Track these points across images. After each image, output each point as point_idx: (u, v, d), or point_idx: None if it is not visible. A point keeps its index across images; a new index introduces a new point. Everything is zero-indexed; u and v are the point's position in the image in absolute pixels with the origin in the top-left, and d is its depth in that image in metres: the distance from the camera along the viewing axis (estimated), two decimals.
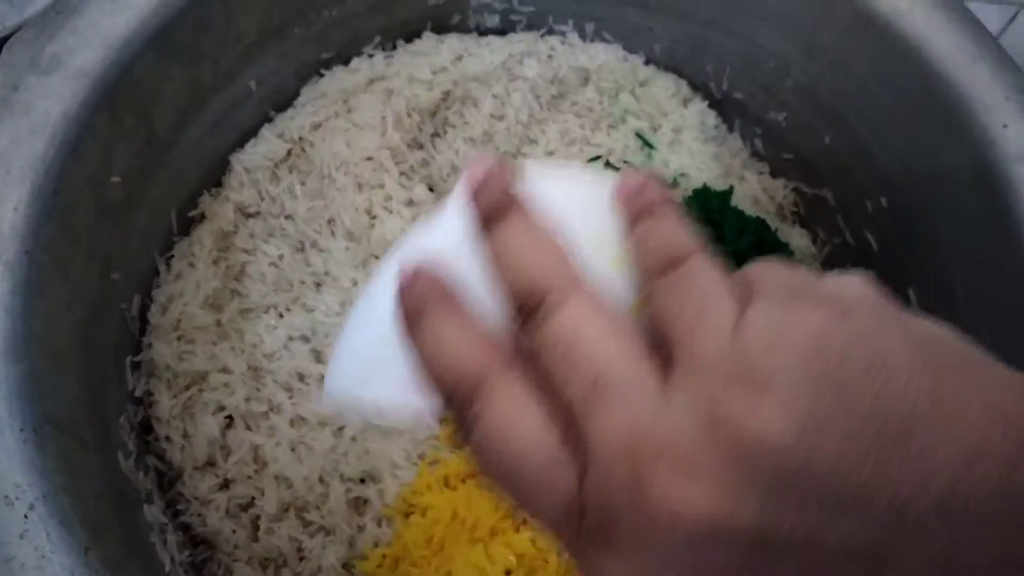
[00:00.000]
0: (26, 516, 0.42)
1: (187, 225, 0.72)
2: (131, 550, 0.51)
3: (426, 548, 0.59)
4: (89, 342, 0.56)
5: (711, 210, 0.72)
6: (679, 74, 0.83)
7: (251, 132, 0.76)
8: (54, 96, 0.53)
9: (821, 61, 0.69)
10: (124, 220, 0.61)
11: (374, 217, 0.74)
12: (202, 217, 0.73)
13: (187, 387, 0.66)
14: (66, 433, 0.48)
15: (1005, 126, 0.56)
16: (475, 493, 0.59)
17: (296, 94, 0.78)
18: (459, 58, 0.81)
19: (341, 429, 0.67)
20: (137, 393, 0.63)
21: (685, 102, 0.82)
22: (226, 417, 0.65)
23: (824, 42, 0.68)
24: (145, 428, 0.64)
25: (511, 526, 0.58)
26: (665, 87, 0.82)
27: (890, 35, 0.62)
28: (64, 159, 0.52)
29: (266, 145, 0.75)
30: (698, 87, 0.83)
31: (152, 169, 0.63)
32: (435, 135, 0.80)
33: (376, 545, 0.63)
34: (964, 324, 0.60)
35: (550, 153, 0.81)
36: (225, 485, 0.64)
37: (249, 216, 0.75)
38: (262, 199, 0.75)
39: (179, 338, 0.67)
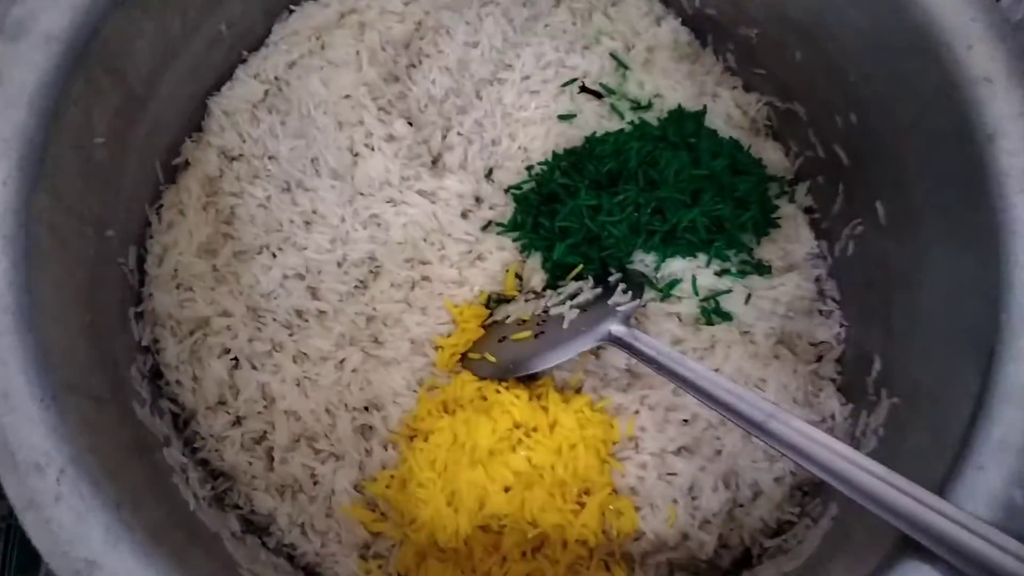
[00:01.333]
0: (58, 480, 0.45)
1: (173, 172, 0.73)
2: (156, 495, 0.55)
3: (431, 470, 0.63)
4: (93, 302, 0.58)
5: (686, 134, 0.73)
6: None
7: (227, 75, 0.75)
8: (27, 63, 0.53)
9: None
10: (111, 179, 0.62)
11: (356, 155, 0.75)
12: (186, 164, 0.74)
13: (191, 332, 0.69)
14: (83, 395, 0.52)
15: (970, 47, 0.57)
16: (472, 419, 0.64)
17: (267, 32, 0.77)
18: None
19: (342, 362, 0.70)
20: (144, 342, 0.66)
21: (658, 20, 0.82)
22: (232, 359, 0.69)
23: None
24: (155, 374, 0.67)
25: (508, 447, 0.63)
26: (637, 5, 0.81)
27: None
28: (46, 128, 0.53)
29: (243, 87, 0.75)
30: (670, 3, 0.82)
31: (132, 124, 0.64)
32: (410, 66, 0.79)
33: (384, 467, 0.68)
34: (929, 239, 0.63)
35: (526, 78, 0.81)
36: (237, 422, 0.68)
37: (233, 159, 0.76)
38: (244, 141, 0.75)
39: (178, 286, 0.69)
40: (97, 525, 0.45)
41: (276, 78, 0.76)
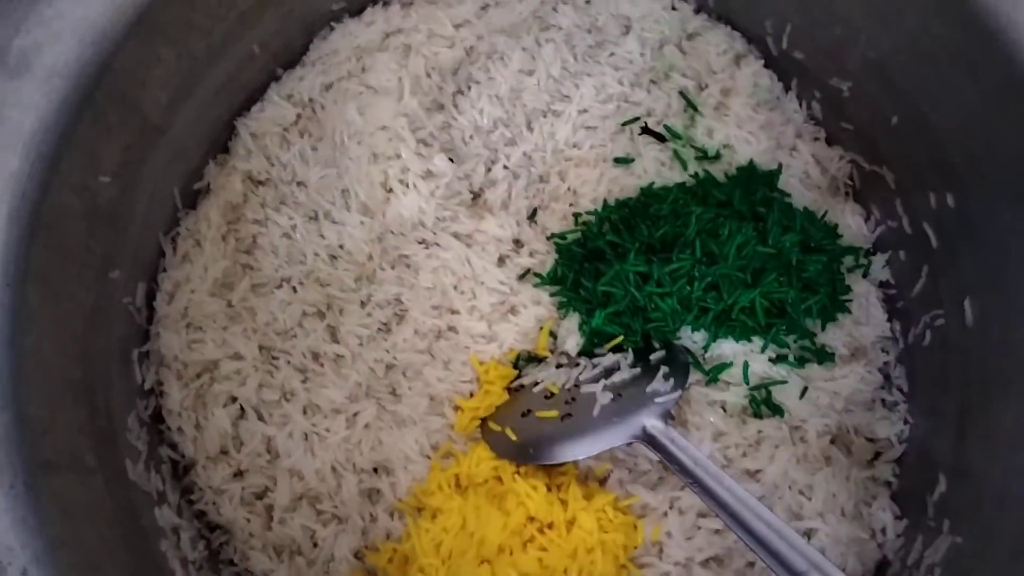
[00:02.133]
0: None
1: (193, 197, 0.69)
2: (138, 573, 0.52)
3: (435, 556, 0.59)
4: (88, 351, 0.55)
5: (755, 201, 0.65)
6: (733, 26, 0.73)
7: (257, 92, 0.70)
8: (26, 103, 0.48)
9: (897, 36, 0.60)
10: (120, 216, 0.58)
11: (390, 191, 0.69)
12: (208, 189, 0.69)
13: (198, 375, 0.65)
14: (63, 469, 0.48)
15: None
16: (484, 508, 0.59)
17: (305, 49, 0.71)
18: (484, 8, 0.72)
19: (355, 416, 0.66)
20: (146, 386, 0.63)
21: (738, 59, 0.73)
22: (238, 408, 0.65)
23: (903, 16, 0.58)
24: (156, 418, 0.64)
25: (519, 543, 0.58)
26: (716, 42, 0.72)
27: (983, 21, 0.53)
28: (44, 174, 0.49)
29: (274, 109, 0.69)
30: (753, 39, 0.73)
31: (147, 156, 0.59)
32: (457, 92, 0.73)
33: (388, 536, 0.63)
34: (1020, 353, 0.55)
35: (583, 111, 0.73)
36: (239, 474, 0.64)
37: (259, 183, 0.71)
38: (272, 165, 0.70)
39: (188, 326, 0.65)
40: None
41: (310, 100, 0.70)
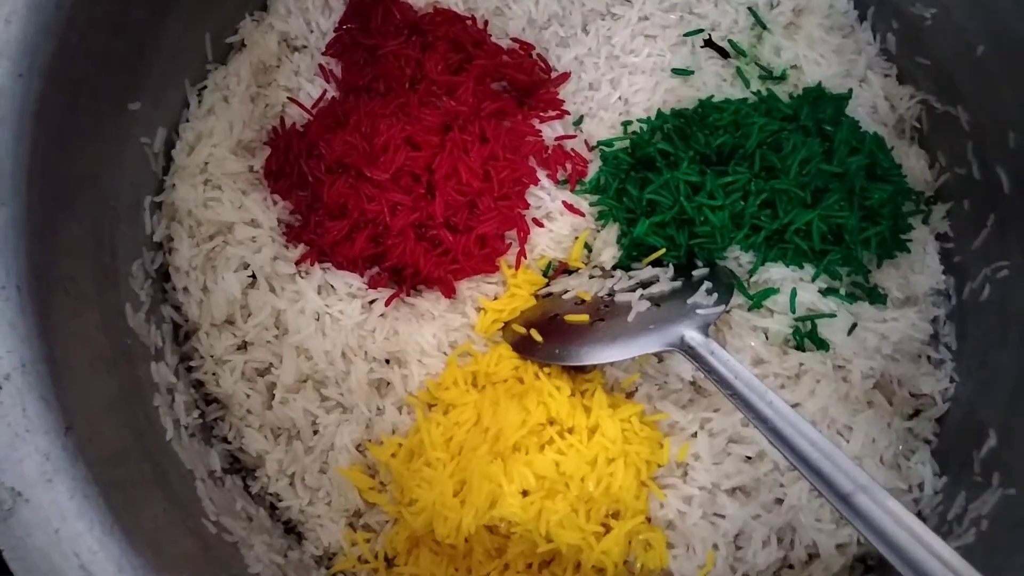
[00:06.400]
0: (0, 387, 0.38)
1: (224, 52, 0.64)
2: (126, 418, 0.48)
3: (444, 450, 0.55)
4: (99, 180, 0.51)
5: (822, 119, 0.61)
6: None
7: None
8: None
9: None
10: (148, 42, 0.54)
11: None
12: (241, 45, 0.65)
13: (211, 237, 0.60)
14: (60, 289, 0.44)
15: None
16: (503, 401, 0.55)
17: None
18: None
19: (371, 303, 0.62)
20: (156, 237, 0.58)
21: None
22: (249, 276, 0.60)
23: None
24: (162, 277, 0.60)
25: (536, 444, 0.54)
26: None
27: None
28: None
29: None
30: None
31: None
32: None
33: (394, 431, 0.59)
34: None
35: (644, 18, 0.69)
36: (243, 347, 0.60)
37: (295, 50, 0.66)
38: (311, 32, 0.66)
39: (206, 182, 0.61)
40: (35, 452, 0.38)
41: None
